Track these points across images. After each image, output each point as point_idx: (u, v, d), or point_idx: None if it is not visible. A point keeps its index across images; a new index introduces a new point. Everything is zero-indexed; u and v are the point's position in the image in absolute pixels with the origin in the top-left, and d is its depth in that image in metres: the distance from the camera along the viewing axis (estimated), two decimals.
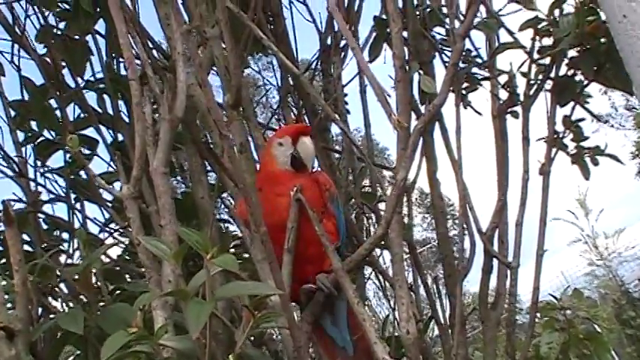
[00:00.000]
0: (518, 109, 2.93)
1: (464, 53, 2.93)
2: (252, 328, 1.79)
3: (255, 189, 2.12)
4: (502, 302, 2.86)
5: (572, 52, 2.80)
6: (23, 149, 3.23)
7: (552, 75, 2.86)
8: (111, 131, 3.21)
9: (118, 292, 2.39)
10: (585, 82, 2.82)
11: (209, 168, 2.87)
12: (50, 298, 2.48)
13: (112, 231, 2.98)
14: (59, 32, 3.20)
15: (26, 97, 3.22)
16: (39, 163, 3.24)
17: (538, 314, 6.98)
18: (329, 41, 3.32)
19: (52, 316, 2.35)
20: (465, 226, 2.78)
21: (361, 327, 2.20)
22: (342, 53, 3.34)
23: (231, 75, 2.07)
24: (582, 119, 2.96)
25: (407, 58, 2.83)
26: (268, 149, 2.29)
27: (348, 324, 2.34)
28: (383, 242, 2.40)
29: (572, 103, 2.91)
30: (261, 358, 1.80)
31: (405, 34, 2.78)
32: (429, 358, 2.91)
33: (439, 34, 3.00)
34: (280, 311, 1.95)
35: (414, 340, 2.10)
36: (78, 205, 3.19)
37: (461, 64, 2.95)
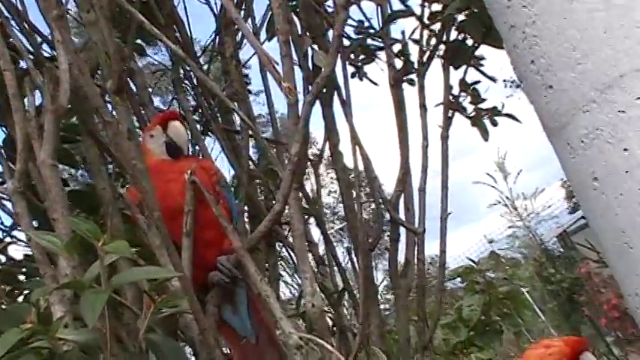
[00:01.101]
0: (414, 76, 2.94)
1: (357, 25, 2.93)
2: (153, 314, 1.77)
3: (146, 174, 2.07)
4: (412, 269, 2.89)
5: (461, 17, 2.84)
6: None
7: (444, 40, 2.89)
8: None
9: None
10: (475, 45, 2.86)
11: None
12: None
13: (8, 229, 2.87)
14: None
15: None
16: None
17: (459, 278, 7.14)
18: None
19: None
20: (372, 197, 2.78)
21: (264, 310, 2.21)
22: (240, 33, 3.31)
23: (111, 60, 2.02)
24: (478, 82, 3.01)
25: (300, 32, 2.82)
26: (143, 145, 2.27)
27: (249, 311, 2.31)
28: None
29: (465, 67, 2.94)
30: (166, 344, 1.75)
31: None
32: (344, 329, 2.91)
33: (330, 6, 2.98)
34: (182, 295, 1.92)
35: (319, 314, 2.09)
36: None
37: (355, 36, 2.95)
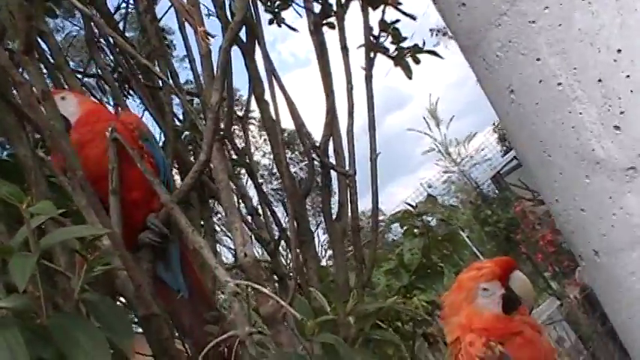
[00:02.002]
0: (334, 19, 2.92)
1: None
2: (86, 273, 1.74)
3: (65, 134, 2.01)
4: (345, 213, 2.89)
5: None
6: None
7: None
8: None
9: None
10: None
11: None
12: None
13: None
14: None
15: None
16: None
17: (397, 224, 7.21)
18: None
19: None
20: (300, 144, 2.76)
21: (197, 264, 2.19)
22: None
23: (17, 20, 1.94)
24: (397, 21, 2.99)
25: None
26: None
27: (182, 267, 2.29)
28: None
29: (383, 7, 2.92)
30: (102, 302, 1.72)
31: None
32: (283, 277, 2.92)
33: None
34: (113, 252, 1.89)
35: (253, 262, 2.08)
36: None
37: None
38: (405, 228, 6.62)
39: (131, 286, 2.01)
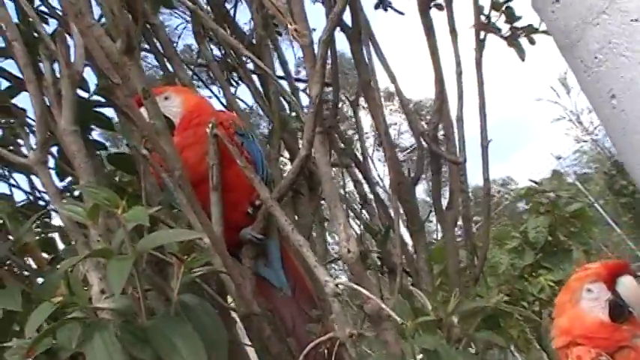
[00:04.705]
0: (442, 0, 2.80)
1: None
2: (184, 274, 1.75)
3: (166, 134, 2.02)
4: (457, 200, 2.79)
5: None
6: None
7: None
8: None
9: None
10: None
11: None
12: None
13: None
14: None
15: None
16: None
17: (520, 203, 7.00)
18: None
19: None
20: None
21: (297, 262, 2.17)
22: None
23: (117, 19, 1.95)
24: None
25: None
26: None
27: (283, 265, 2.28)
28: None
29: None
30: (198, 304, 1.73)
31: None
32: (393, 268, 2.85)
33: None
34: (213, 253, 1.89)
35: (356, 259, 2.03)
36: None
37: None
38: (529, 205, 6.43)
39: (231, 284, 2.01)
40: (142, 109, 2.01)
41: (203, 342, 1.58)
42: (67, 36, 2.19)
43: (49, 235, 2.54)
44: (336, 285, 1.88)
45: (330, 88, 2.80)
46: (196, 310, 1.71)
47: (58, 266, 2.23)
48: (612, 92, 1.07)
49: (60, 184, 2.49)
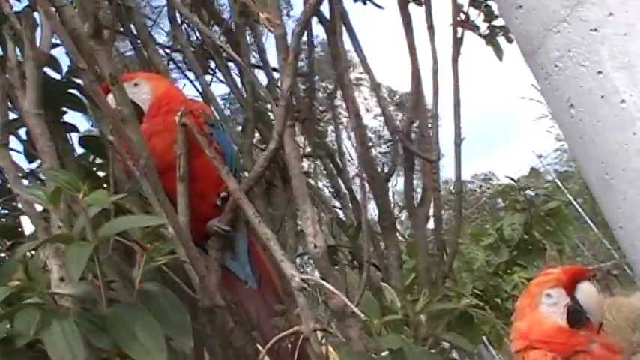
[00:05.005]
0: None
1: None
2: (147, 263, 1.73)
3: (132, 121, 1.99)
4: (429, 197, 2.78)
5: None
6: None
7: None
8: None
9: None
10: None
11: None
12: None
13: None
14: None
15: None
16: None
17: (500, 199, 7.02)
18: None
19: None
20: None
21: (264, 255, 2.15)
22: None
23: (84, 3, 1.93)
24: None
25: None
26: None
27: (250, 258, 2.26)
28: None
29: None
30: (162, 295, 1.71)
31: None
32: (362, 262, 2.85)
33: None
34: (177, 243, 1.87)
35: (322, 254, 2.01)
36: None
37: None
38: (506, 202, 6.46)
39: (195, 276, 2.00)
40: (110, 95, 1.99)
41: (165, 329, 1.56)
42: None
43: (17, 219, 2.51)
44: (302, 279, 1.87)
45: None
46: (158, 298, 1.69)
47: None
48: (571, 101, 1.06)
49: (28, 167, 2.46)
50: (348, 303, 1.85)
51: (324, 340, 1.92)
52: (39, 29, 2.18)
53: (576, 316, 1.83)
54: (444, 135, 2.76)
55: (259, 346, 2.14)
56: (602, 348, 1.82)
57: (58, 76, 2.40)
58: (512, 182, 6.64)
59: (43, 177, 2.48)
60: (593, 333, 1.84)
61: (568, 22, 1.02)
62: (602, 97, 1.01)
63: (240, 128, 3.07)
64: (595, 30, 1.00)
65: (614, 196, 1.06)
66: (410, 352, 1.81)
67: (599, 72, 1.00)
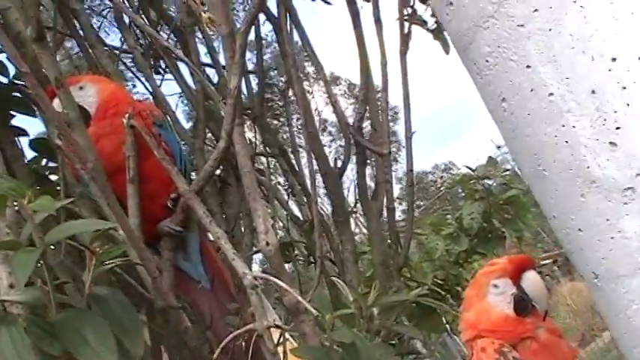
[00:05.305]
0: None
1: None
2: (96, 267, 1.72)
3: (79, 125, 1.98)
4: (382, 191, 2.81)
5: None
6: None
7: None
8: None
9: None
10: None
11: None
12: None
13: None
14: None
15: None
16: None
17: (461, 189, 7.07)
18: None
19: None
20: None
21: (216, 255, 2.16)
22: None
23: (26, 4, 1.91)
24: None
25: None
26: None
27: (202, 258, 2.25)
28: None
29: None
30: (112, 298, 1.71)
31: None
32: (319, 258, 2.86)
33: None
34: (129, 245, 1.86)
35: (274, 251, 2.02)
36: None
37: None
38: (465, 192, 6.53)
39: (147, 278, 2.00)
40: (56, 100, 1.97)
41: (116, 331, 1.56)
42: None
43: None
44: (254, 277, 1.88)
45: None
46: (108, 301, 1.69)
47: None
48: (502, 96, 1.08)
49: None
50: (300, 299, 1.86)
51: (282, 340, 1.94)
52: None
53: (523, 304, 1.87)
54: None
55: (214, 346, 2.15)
56: (548, 333, 1.87)
57: (5, 80, 2.38)
58: (470, 172, 6.73)
59: None
60: (540, 320, 1.88)
61: (496, 18, 1.04)
62: (531, 90, 1.03)
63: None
64: (522, 25, 1.02)
65: (547, 187, 1.08)
66: (362, 345, 1.83)
67: (528, 66, 1.02)
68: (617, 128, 0.97)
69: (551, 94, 1.01)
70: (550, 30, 0.99)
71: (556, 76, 1.00)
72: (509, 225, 6.41)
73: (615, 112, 0.97)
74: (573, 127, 1.00)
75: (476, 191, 6.46)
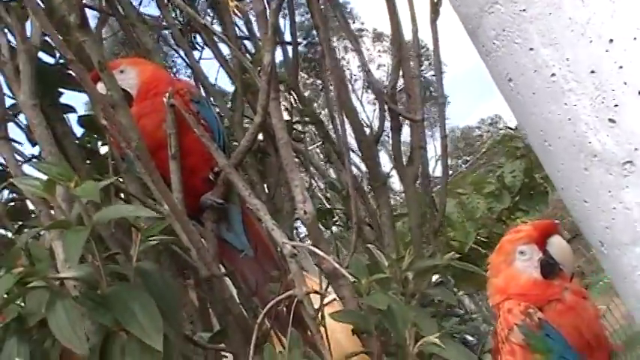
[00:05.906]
0: None
1: None
2: (142, 242, 1.83)
3: (124, 104, 2.08)
4: (417, 156, 2.87)
5: None
6: None
7: None
8: None
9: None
10: None
11: None
12: None
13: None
14: None
15: None
16: None
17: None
18: None
19: None
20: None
21: (258, 225, 2.25)
22: None
23: None
24: None
25: None
26: None
27: (245, 228, 2.36)
28: None
29: None
30: (155, 270, 1.82)
31: None
32: (358, 223, 2.94)
33: None
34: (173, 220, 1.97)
35: (312, 220, 2.10)
36: None
37: None
38: (506, 150, 6.51)
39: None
40: (100, 83, 2.07)
41: (158, 307, 1.67)
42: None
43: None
44: (293, 246, 1.97)
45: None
46: (154, 277, 1.80)
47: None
48: (509, 76, 1.14)
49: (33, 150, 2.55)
50: (337, 265, 1.95)
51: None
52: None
53: (549, 268, 1.94)
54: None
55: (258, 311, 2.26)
56: (573, 295, 1.93)
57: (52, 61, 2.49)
58: (510, 131, 6.75)
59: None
60: (566, 282, 1.94)
61: (500, 3, 1.10)
62: (535, 71, 1.09)
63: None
64: (524, 10, 1.08)
65: (554, 161, 1.15)
66: (398, 308, 1.90)
67: (531, 49, 1.09)
68: (616, 106, 1.03)
69: (553, 74, 1.07)
70: (550, 14, 1.05)
71: (557, 57, 1.06)
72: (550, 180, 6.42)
73: (613, 90, 1.02)
74: (575, 105, 1.06)
75: (517, 149, 6.48)
